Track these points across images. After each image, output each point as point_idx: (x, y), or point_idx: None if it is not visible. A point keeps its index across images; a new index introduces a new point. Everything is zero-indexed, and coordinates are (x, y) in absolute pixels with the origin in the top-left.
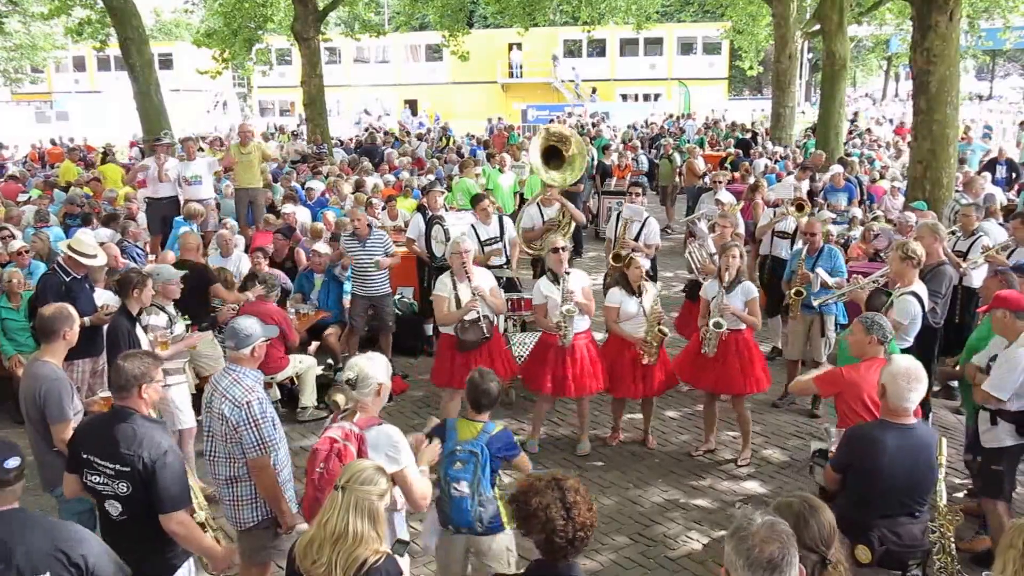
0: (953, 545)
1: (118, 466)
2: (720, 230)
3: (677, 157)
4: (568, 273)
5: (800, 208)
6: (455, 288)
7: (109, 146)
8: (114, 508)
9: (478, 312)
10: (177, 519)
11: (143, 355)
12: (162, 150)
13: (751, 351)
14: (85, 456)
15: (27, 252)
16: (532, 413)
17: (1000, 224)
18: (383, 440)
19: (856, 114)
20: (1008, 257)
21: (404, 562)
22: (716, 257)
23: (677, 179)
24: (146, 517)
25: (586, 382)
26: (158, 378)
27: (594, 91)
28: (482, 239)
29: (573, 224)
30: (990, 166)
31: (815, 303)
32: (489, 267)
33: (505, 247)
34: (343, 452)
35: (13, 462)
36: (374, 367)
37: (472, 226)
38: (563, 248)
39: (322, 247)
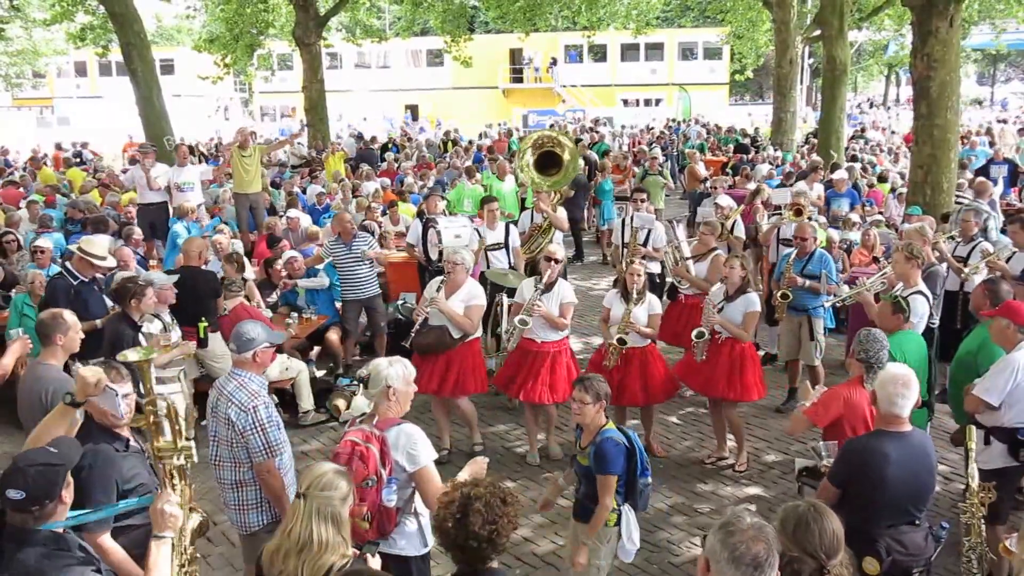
0: (983, 526)
1: None
2: (700, 237)
3: (667, 173)
4: (549, 286)
5: (798, 213)
6: (436, 292)
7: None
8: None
9: (427, 323)
10: (94, 540)
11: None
12: (143, 157)
13: (744, 361)
14: None
15: (43, 253)
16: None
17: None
18: (403, 439)
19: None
20: (1007, 262)
21: (375, 563)
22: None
23: (662, 203)
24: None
25: (557, 389)
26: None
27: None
28: (487, 244)
29: (553, 229)
30: (984, 169)
31: (826, 304)
32: (495, 272)
33: (509, 254)
34: (365, 454)
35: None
36: (390, 369)
37: (476, 230)
38: (557, 260)
39: (294, 252)
